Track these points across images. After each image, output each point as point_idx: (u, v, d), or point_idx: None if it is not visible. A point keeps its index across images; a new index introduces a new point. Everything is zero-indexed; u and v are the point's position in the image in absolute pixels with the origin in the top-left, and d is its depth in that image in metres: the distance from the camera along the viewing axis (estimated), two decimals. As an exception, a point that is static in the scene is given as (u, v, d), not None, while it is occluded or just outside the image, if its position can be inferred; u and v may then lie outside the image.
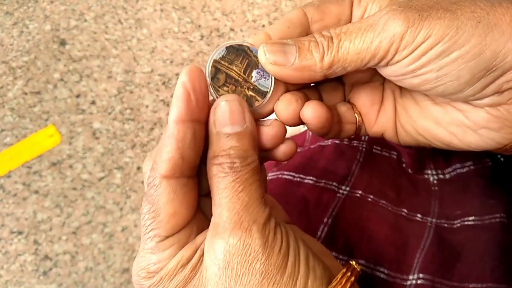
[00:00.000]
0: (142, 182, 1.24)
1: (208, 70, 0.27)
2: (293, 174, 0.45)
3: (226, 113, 0.25)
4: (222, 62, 0.27)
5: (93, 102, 1.35)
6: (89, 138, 1.29)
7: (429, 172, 0.45)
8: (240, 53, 0.27)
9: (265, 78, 0.28)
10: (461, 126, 0.29)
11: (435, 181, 0.44)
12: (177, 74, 1.38)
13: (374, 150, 0.47)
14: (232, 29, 1.47)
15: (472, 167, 0.43)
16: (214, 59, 0.27)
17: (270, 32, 0.28)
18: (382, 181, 0.44)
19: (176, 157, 0.24)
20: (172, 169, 0.24)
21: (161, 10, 1.51)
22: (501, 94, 0.25)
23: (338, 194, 0.43)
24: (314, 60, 0.26)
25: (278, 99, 0.29)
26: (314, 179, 0.44)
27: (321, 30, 0.27)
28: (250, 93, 0.28)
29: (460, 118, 0.28)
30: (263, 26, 1.47)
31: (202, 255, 0.25)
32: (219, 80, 0.27)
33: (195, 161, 0.25)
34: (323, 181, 0.44)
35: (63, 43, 1.44)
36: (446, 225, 0.40)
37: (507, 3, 0.24)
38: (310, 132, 0.53)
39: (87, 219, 1.21)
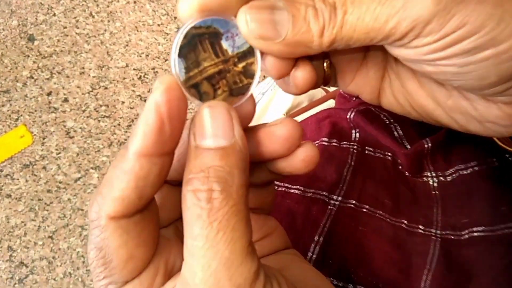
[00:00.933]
0: (121, 182, 1.19)
1: (174, 62, 0.21)
2: (277, 183, 0.41)
3: (208, 122, 0.20)
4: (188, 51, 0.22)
5: (66, 100, 1.29)
6: (63, 137, 1.24)
7: (428, 174, 0.40)
8: (196, 40, 0.22)
9: (238, 37, 0.22)
10: (465, 115, 0.26)
11: (435, 185, 0.40)
12: (154, 69, 1.34)
13: (366, 151, 0.43)
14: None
15: (476, 168, 0.38)
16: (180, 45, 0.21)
17: None
18: (378, 188, 0.40)
19: (132, 197, 0.19)
20: (124, 210, 0.19)
21: (134, 2, 1.45)
22: None
23: (329, 206, 0.39)
24: (312, 35, 0.21)
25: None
26: (301, 188, 0.40)
27: None
28: (238, 69, 0.22)
29: (467, 107, 0.25)
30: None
31: None
32: (192, 77, 0.22)
33: (153, 194, 0.20)
34: (311, 190, 0.40)
35: (31, 38, 1.37)
36: (452, 237, 0.36)
37: None
38: None
39: (63, 222, 1.16)
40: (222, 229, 0.18)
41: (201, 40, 0.21)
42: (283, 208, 0.38)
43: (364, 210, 0.38)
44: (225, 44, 0.21)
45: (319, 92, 0.89)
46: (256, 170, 0.25)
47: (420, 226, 0.37)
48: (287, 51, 0.22)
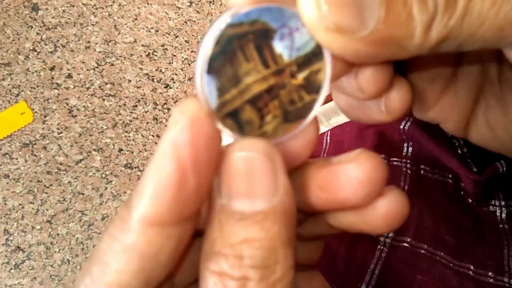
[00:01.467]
0: (125, 166, 1.12)
1: (200, 74, 0.15)
2: None
3: (240, 175, 0.14)
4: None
5: (69, 76, 1.21)
6: (65, 116, 1.17)
7: (497, 203, 0.32)
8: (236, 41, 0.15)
9: (298, 32, 0.15)
10: None
11: (503, 216, 0.32)
12: (163, 45, 1.25)
13: (422, 172, 0.34)
14: (224, -5, 1.33)
15: None
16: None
17: None
18: (437, 220, 0.32)
19: (133, 284, 0.14)
20: None
21: (145, -27, 1.36)
22: None
23: (378, 245, 0.31)
24: (413, 28, 0.14)
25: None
26: None
27: None
28: (298, 81, 0.16)
29: None
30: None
31: None
32: (226, 82, 0.15)
33: (169, 273, 0.15)
34: None
35: (35, 8, 1.29)
36: None
37: None
38: (329, 139, 0.40)
39: (63, 206, 1.10)
40: None
41: (243, 44, 0.15)
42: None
43: (422, 251, 0.31)
44: (278, 46, 0.15)
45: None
46: (309, 221, 0.20)
47: (490, 274, 0.29)
48: (371, 53, 0.15)
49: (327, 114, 0.81)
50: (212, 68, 0.15)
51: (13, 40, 1.25)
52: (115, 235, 0.14)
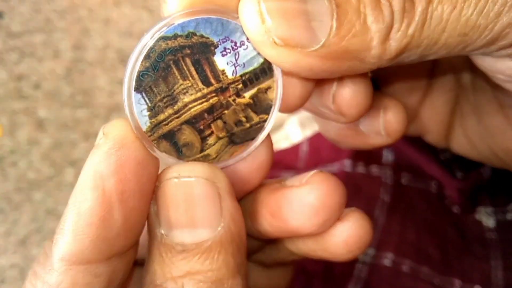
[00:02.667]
0: (100, 179, 1.09)
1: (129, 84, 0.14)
2: None
3: (179, 203, 0.13)
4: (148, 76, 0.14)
5: (38, 86, 1.17)
6: (35, 129, 1.12)
7: (483, 210, 0.32)
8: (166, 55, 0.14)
9: (243, 47, 0.14)
10: None
11: (490, 224, 0.31)
12: (136, 49, 1.22)
13: (403, 180, 0.34)
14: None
15: None
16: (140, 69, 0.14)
17: None
18: (420, 233, 0.32)
19: None
20: None
21: (115, -27, 1.31)
22: None
23: (357, 264, 0.30)
24: (369, 39, 0.13)
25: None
26: None
27: None
28: (245, 100, 0.14)
29: None
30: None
31: None
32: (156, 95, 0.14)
33: None
34: None
35: (0, 15, 1.24)
36: None
37: None
38: (305, 148, 0.38)
39: (36, 225, 1.05)
40: None
41: (178, 59, 0.14)
42: (295, 266, 0.30)
43: (405, 269, 0.30)
44: (220, 62, 0.15)
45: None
46: (269, 248, 0.19)
47: (477, 287, 0.29)
48: (326, 68, 0.14)
49: (303, 123, 0.77)
50: (142, 85, 0.14)
51: (-24, 50, 1.20)
52: (38, 273, 0.14)
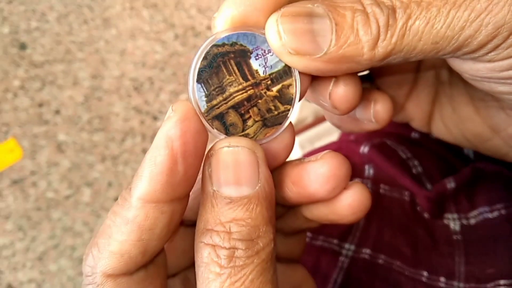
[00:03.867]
0: (114, 199, 1.13)
1: (192, 79, 0.18)
2: None
3: (228, 166, 0.17)
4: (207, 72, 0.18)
5: (58, 112, 1.23)
6: (54, 151, 1.17)
7: (450, 216, 0.36)
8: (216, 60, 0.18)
9: (270, 54, 0.19)
10: None
11: (457, 228, 0.35)
12: (150, 78, 1.28)
13: (381, 191, 0.38)
14: (209, 28, 1.36)
15: (503, 212, 0.34)
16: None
17: None
18: (394, 233, 0.35)
19: (133, 253, 0.17)
20: (124, 267, 0.17)
21: (131, 8, 1.39)
22: None
23: (340, 257, 0.34)
24: (361, 47, 0.17)
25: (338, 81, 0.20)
26: (310, 235, 0.35)
27: None
28: (273, 93, 0.19)
29: None
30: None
31: None
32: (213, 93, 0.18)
33: (160, 248, 0.18)
34: (320, 237, 0.35)
35: (23, 46, 1.31)
36: None
37: None
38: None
39: (53, 242, 1.09)
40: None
41: (225, 60, 0.18)
42: None
43: (380, 261, 0.33)
44: (255, 64, 0.18)
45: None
46: (288, 215, 0.23)
47: (442, 279, 0.32)
48: (329, 69, 0.18)
49: (302, 145, 0.83)
50: (201, 78, 0.18)
51: (1, 78, 1.27)
52: (118, 212, 0.17)
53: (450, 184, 0.37)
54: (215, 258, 0.16)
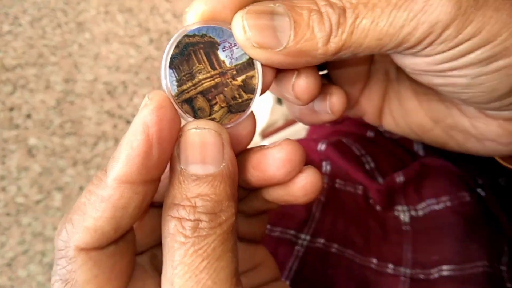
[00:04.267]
0: (86, 204, 1.12)
1: (164, 68, 0.20)
2: None
3: (195, 146, 0.18)
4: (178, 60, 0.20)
5: (29, 116, 1.21)
6: (25, 156, 1.16)
7: (400, 208, 0.39)
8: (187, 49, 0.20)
9: (236, 47, 0.20)
10: (464, 133, 0.26)
11: (406, 219, 0.38)
12: (123, 82, 1.27)
13: (337, 185, 0.40)
14: (183, 32, 1.37)
15: (448, 203, 0.37)
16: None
17: None
18: (348, 224, 0.37)
19: (106, 229, 0.18)
20: (96, 242, 0.18)
21: (105, 13, 1.39)
22: None
23: (296, 246, 0.36)
24: (316, 42, 0.19)
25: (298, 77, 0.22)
26: (268, 226, 0.36)
27: None
28: (238, 82, 0.21)
29: (466, 125, 0.25)
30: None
31: None
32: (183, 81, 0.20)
33: (132, 223, 0.19)
34: (278, 229, 0.37)
35: (-6, 50, 1.29)
36: (422, 276, 0.34)
37: None
38: None
39: (23, 248, 1.07)
40: (206, 258, 0.17)
41: (195, 50, 0.20)
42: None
43: (333, 250, 0.36)
44: (222, 55, 0.20)
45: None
46: (249, 198, 0.24)
47: (390, 265, 0.35)
48: (289, 62, 0.20)
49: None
50: (173, 64, 0.19)
51: (-29, 82, 1.25)
52: (93, 191, 0.18)
53: (400, 178, 0.39)
54: (180, 229, 0.18)
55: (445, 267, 0.34)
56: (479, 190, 0.37)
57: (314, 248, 0.36)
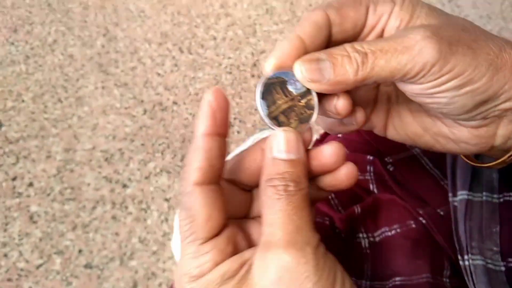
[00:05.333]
0: (84, 266, 1.17)
1: (259, 93, 0.29)
2: None
3: (283, 141, 0.28)
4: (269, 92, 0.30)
5: (31, 184, 1.28)
6: (26, 222, 1.22)
7: (361, 235, 0.47)
8: (271, 87, 0.30)
9: (298, 82, 0.30)
10: (445, 138, 0.34)
11: (366, 245, 0.46)
12: (120, 149, 1.37)
13: None
14: (175, 103, 1.49)
15: (398, 230, 0.46)
16: (264, 83, 0.29)
17: (301, 35, 0.29)
18: None
19: (205, 166, 0.26)
20: (202, 176, 0.26)
21: (103, 88, 1.51)
22: (485, 119, 0.30)
23: None
24: (348, 75, 0.28)
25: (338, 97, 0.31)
26: None
27: (343, 35, 0.30)
28: (302, 104, 0.30)
29: (446, 131, 0.33)
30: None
31: (249, 270, 0.26)
32: (270, 104, 0.30)
33: (220, 170, 0.28)
34: None
35: (-2, 125, 1.39)
36: (378, 286, 0.42)
37: (510, 48, 0.28)
38: None
39: (23, 312, 1.10)
40: (294, 207, 0.26)
41: (274, 86, 0.29)
42: None
43: None
44: (290, 87, 0.30)
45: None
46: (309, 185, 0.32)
47: (353, 278, 0.42)
48: (332, 89, 0.29)
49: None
50: (263, 97, 0.29)
51: (-24, 155, 1.33)
52: (192, 147, 0.27)
53: (357, 209, 0.48)
54: (275, 191, 0.26)
55: (397, 278, 0.42)
56: (421, 218, 0.46)
57: None
